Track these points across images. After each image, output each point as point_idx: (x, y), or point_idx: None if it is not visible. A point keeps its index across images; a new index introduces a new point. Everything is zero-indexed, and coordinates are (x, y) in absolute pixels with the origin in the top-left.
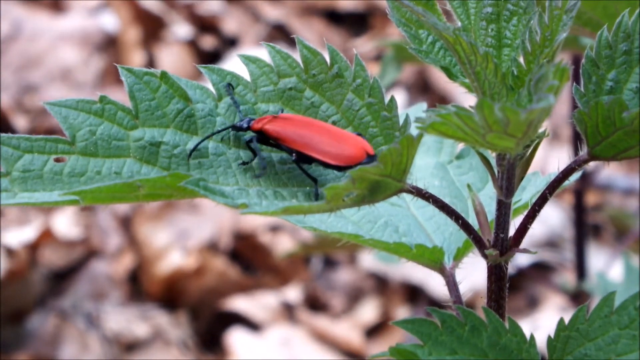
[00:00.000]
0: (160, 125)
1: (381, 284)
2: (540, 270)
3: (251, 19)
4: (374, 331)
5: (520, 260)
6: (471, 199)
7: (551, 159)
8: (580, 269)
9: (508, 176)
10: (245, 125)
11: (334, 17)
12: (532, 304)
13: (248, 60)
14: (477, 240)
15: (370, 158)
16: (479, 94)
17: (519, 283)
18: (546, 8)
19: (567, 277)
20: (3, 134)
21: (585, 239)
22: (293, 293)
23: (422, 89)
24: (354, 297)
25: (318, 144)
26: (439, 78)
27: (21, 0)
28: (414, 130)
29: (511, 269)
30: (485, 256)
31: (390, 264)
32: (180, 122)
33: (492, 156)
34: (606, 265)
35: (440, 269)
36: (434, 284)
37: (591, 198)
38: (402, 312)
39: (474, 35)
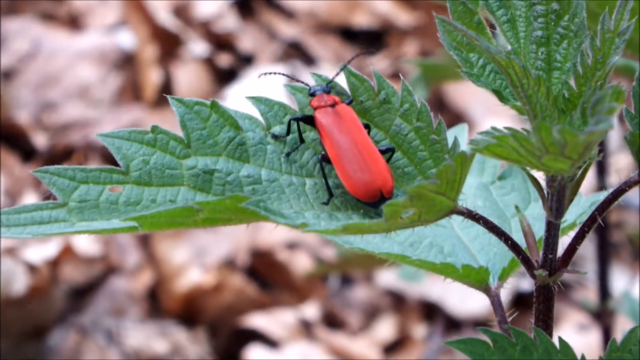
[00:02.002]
0: (212, 153)
1: (398, 302)
2: (559, 287)
3: (267, 36)
4: (391, 348)
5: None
6: (519, 220)
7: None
8: (603, 287)
9: (558, 198)
10: (311, 94)
11: (349, 35)
12: None
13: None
14: (525, 261)
15: (381, 201)
16: (530, 117)
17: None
18: (598, 31)
19: (587, 295)
20: (59, 166)
21: (608, 258)
22: (311, 310)
23: (438, 106)
24: (371, 314)
25: (347, 162)
26: (454, 96)
27: (40, 19)
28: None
29: (528, 285)
30: (534, 276)
31: (408, 282)
32: (232, 150)
33: (540, 177)
34: (627, 284)
35: (486, 289)
36: (451, 302)
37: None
38: (419, 329)
39: (523, 59)
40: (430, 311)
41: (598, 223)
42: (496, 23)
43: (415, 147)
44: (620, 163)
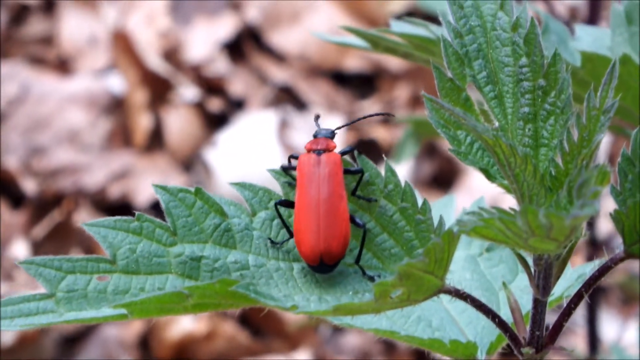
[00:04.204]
0: (199, 240)
1: (389, 348)
2: None
3: (257, 80)
4: None
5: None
6: (506, 295)
7: None
8: (592, 337)
9: (545, 275)
10: (314, 135)
11: (340, 79)
12: None
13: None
14: (512, 338)
15: (322, 266)
16: (517, 196)
17: None
18: (584, 108)
19: (577, 343)
20: (44, 257)
21: (597, 306)
22: (302, 357)
23: (429, 153)
24: None
25: (302, 216)
26: (445, 143)
27: (29, 63)
28: None
29: None
30: (520, 354)
31: None
32: (219, 236)
33: (528, 254)
34: (618, 332)
35: None
36: None
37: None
38: None
39: (511, 135)
40: (421, 357)
41: None
42: (484, 99)
43: (401, 228)
44: (610, 206)
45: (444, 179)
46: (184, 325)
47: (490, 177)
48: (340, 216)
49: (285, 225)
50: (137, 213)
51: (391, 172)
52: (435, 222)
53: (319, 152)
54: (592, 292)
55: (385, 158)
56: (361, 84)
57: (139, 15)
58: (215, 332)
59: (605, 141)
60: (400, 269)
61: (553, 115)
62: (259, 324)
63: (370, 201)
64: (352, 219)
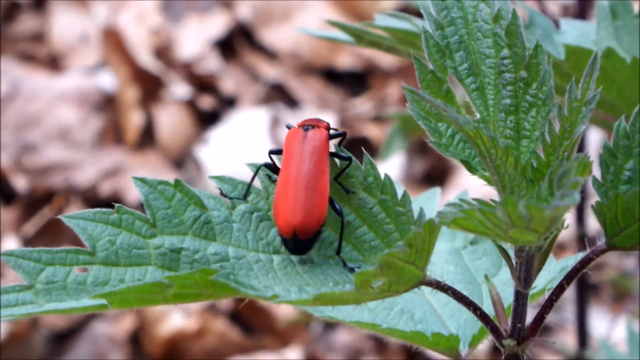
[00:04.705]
0: (178, 232)
1: (380, 345)
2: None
3: (249, 78)
4: None
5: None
6: (488, 288)
7: None
8: (582, 333)
9: (527, 267)
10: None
11: (332, 77)
12: None
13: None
14: (494, 330)
15: (294, 240)
16: (499, 187)
17: None
18: (565, 100)
19: (567, 339)
20: (24, 249)
21: (587, 303)
22: (293, 354)
23: (421, 150)
24: (354, 358)
25: (281, 188)
26: None
27: (20, 60)
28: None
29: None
30: (502, 346)
31: None
32: (198, 228)
33: (509, 247)
34: (607, 328)
35: (456, 356)
36: None
37: None
38: None
39: (492, 127)
40: (412, 355)
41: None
42: (465, 91)
43: (381, 220)
44: None
45: (435, 176)
46: (175, 322)
47: (471, 169)
48: (319, 192)
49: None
50: (116, 205)
51: (371, 164)
52: (416, 214)
53: (306, 128)
54: (582, 288)
55: (364, 151)
56: (353, 82)
57: (130, 13)
58: (206, 329)
59: (595, 138)
60: (381, 258)
61: (535, 107)
62: (250, 320)
63: (349, 193)
64: (332, 203)
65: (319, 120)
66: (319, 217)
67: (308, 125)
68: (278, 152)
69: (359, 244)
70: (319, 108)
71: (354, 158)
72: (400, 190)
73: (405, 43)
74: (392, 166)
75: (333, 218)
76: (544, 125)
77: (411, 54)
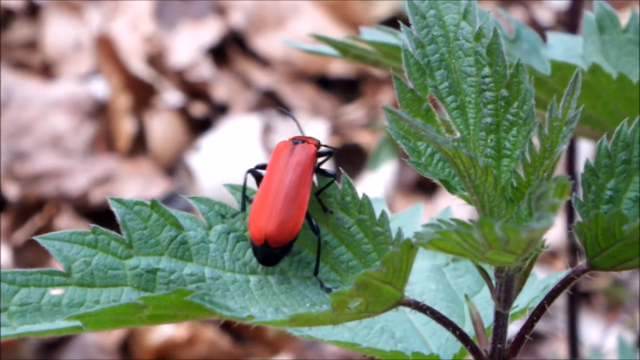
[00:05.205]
0: (154, 253)
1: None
2: (530, 340)
3: (241, 85)
4: None
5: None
6: (468, 308)
7: None
8: (573, 342)
9: (506, 288)
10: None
11: (325, 83)
12: None
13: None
14: (474, 351)
15: (265, 248)
16: (478, 207)
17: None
18: (546, 119)
19: (559, 348)
20: None
21: (578, 312)
22: None
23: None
24: None
25: (261, 196)
26: None
27: (12, 68)
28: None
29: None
30: None
31: None
32: (175, 249)
33: (489, 267)
34: (599, 336)
35: None
36: None
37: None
38: None
39: (473, 146)
40: None
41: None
42: (445, 110)
43: (358, 240)
44: None
45: (428, 184)
46: (165, 330)
47: (450, 188)
48: (297, 204)
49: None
50: (92, 226)
51: (348, 184)
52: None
53: (296, 142)
54: (573, 297)
55: (342, 170)
56: (346, 89)
57: (124, 20)
58: (196, 338)
59: (586, 149)
60: (358, 278)
61: (516, 126)
62: (240, 329)
63: (326, 212)
64: (309, 219)
65: (310, 137)
66: (293, 228)
67: (298, 140)
68: (264, 167)
69: (336, 264)
70: (311, 115)
71: (331, 178)
72: (378, 209)
73: (390, 57)
74: (384, 175)
75: (311, 239)
76: (525, 144)
77: (398, 69)
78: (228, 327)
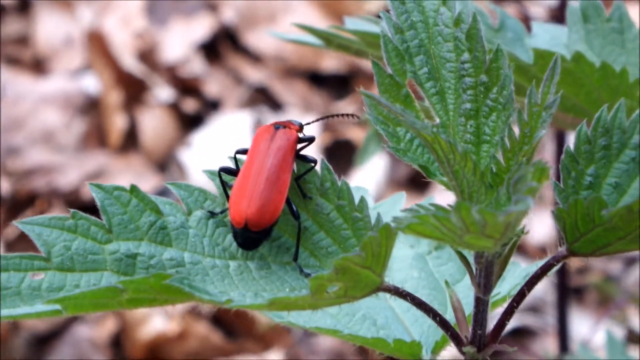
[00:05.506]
0: (134, 238)
1: (363, 349)
2: (521, 335)
3: (233, 81)
4: None
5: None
6: (449, 295)
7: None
8: (563, 337)
9: (486, 274)
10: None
11: (317, 79)
12: None
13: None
14: (454, 337)
15: (245, 231)
16: (457, 193)
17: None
18: (525, 104)
19: (549, 343)
20: None
21: (567, 306)
22: (275, 358)
23: None
24: None
25: (241, 180)
26: None
27: (4, 63)
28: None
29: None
30: (462, 353)
31: None
32: (154, 234)
33: (470, 253)
34: (590, 332)
35: None
36: None
37: (574, 261)
38: None
39: (452, 132)
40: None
41: (559, 270)
42: (425, 95)
43: (338, 226)
44: None
45: (419, 180)
46: (157, 325)
47: (430, 174)
48: (278, 188)
49: (225, 191)
50: (72, 211)
51: (327, 169)
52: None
53: (277, 127)
54: (563, 292)
55: (322, 157)
56: (337, 85)
57: (115, 16)
58: (188, 332)
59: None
60: (337, 263)
61: (495, 112)
62: (232, 324)
63: (305, 198)
64: (289, 204)
65: (291, 123)
66: (274, 212)
67: (280, 125)
68: (245, 151)
69: (316, 250)
70: (303, 111)
71: (311, 164)
72: (359, 196)
73: (374, 46)
74: (376, 171)
75: (291, 224)
76: (504, 129)
77: (370, 57)
78: (220, 322)
